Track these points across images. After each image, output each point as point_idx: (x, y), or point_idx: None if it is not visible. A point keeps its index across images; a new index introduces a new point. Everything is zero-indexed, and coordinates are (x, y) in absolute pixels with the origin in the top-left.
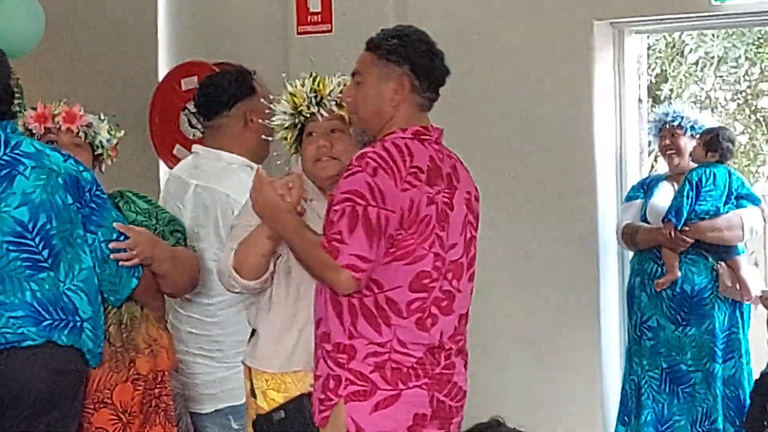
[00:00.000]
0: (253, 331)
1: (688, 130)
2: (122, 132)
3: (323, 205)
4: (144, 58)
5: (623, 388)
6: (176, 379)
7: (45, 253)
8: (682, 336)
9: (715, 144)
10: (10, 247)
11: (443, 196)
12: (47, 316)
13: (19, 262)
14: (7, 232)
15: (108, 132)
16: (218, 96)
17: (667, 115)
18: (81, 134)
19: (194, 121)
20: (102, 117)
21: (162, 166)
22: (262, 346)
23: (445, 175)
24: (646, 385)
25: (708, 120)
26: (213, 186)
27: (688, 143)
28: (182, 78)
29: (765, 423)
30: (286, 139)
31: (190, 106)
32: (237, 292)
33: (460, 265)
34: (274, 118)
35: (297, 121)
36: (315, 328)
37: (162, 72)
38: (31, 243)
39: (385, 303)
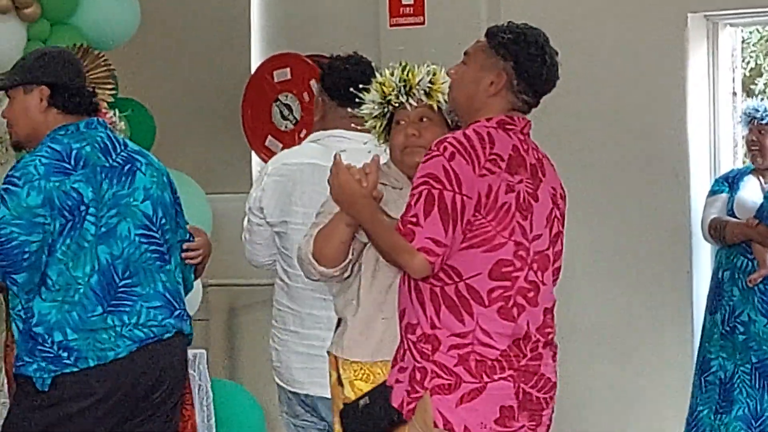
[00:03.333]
0: (339, 321)
1: None
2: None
3: None
4: (237, 50)
5: (702, 382)
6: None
7: (165, 246)
8: None
9: None
10: (142, 240)
11: (526, 186)
12: (177, 306)
13: (149, 254)
14: (138, 225)
15: None
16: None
17: (757, 111)
18: None
19: (286, 112)
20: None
21: (254, 157)
22: (350, 335)
23: (529, 166)
24: (738, 380)
25: None
26: None
27: None
28: (274, 70)
29: None
30: (375, 127)
31: (283, 98)
32: (315, 280)
33: (545, 257)
34: (362, 107)
35: (386, 110)
36: (399, 319)
37: (255, 64)
38: (156, 235)
39: (466, 291)
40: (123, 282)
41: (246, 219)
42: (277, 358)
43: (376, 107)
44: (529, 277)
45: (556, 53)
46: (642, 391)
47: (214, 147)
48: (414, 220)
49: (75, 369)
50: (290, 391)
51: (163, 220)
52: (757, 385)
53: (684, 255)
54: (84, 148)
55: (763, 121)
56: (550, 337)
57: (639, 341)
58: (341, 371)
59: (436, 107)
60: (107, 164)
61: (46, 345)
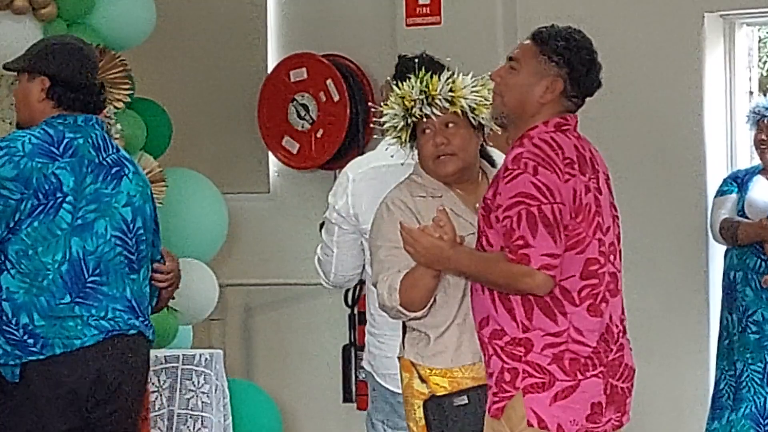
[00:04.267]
0: (404, 325)
1: None
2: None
3: (453, 197)
4: (253, 50)
5: (717, 384)
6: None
7: (136, 255)
8: None
9: None
10: (117, 242)
11: (593, 182)
12: (141, 313)
13: (121, 257)
14: (115, 227)
15: None
16: None
17: (766, 109)
18: None
19: (303, 112)
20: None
21: (271, 157)
22: (433, 348)
23: (589, 161)
24: (747, 379)
25: None
26: None
27: None
28: (291, 70)
29: None
30: (399, 138)
31: (299, 98)
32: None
33: (615, 247)
34: (383, 119)
35: (409, 121)
36: (479, 328)
37: (271, 64)
38: (130, 242)
39: (559, 293)
40: (92, 278)
41: (327, 236)
42: (379, 363)
43: (399, 120)
44: (609, 270)
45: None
46: (661, 390)
47: (231, 147)
48: (521, 243)
49: (41, 356)
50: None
51: (140, 231)
52: (767, 384)
53: (701, 254)
54: (77, 139)
55: None
56: (625, 322)
57: (657, 340)
58: (419, 372)
59: (460, 112)
60: (96, 160)
61: (12, 327)
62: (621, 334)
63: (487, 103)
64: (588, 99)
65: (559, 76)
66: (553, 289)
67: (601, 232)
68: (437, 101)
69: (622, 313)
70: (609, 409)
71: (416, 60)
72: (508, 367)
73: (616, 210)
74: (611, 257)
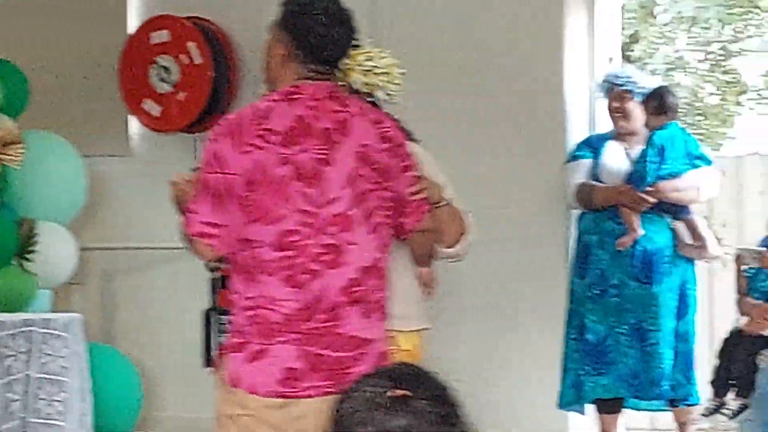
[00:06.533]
0: None
1: (637, 94)
2: None
3: None
4: (115, 11)
5: (571, 348)
6: None
7: None
8: (644, 294)
9: (663, 106)
10: None
11: (315, 153)
12: None
13: None
14: None
15: None
16: None
17: (617, 77)
18: None
19: (165, 74)
20: None
21: (133, 120)
22: None
23: (320, 131)
24: (613, 342)
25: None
26: None
27: (635, 107)
28: (153, 31)
29: (729, 381)
30: None
31: (161, 60)
32: None
33: (347, 218)
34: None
35: None
36: None
37: (134, 25)
38: None
39: (253, 259)
40: None
41: None
42: None
43: None
44: (324, 242)
45: (347, 17)
46: (518, 352)
47: (91, 109)
48: (190, 207)
49: None
50: None
51: None
52: (634, 346)
53: (563, 219)
54: None
55: (624, 87)
56: (357, 295)
57: (517, 303)
58: None
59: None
60: None
61: None
62: (345, 305)
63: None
64: (447, 68)
65: (283, 41)
66: (237, 258)
67: (310, 204)
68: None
69: (353, 286)
70: (311, 377)
71: None
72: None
73: (374, 183)
74: (331, 228)
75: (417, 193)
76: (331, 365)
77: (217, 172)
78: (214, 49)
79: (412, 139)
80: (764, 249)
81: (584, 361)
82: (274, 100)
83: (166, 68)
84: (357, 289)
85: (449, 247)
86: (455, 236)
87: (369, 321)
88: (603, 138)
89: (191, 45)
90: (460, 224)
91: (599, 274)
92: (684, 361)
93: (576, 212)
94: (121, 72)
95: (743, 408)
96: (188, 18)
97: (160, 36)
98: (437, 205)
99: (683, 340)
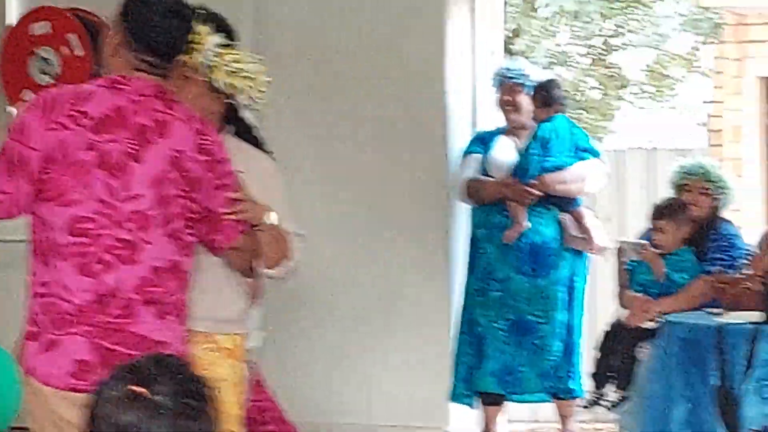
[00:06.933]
0: None
1: (528, 87)
2: None
3: None
4: None
5: (461, 342)
6: None
7: None
8: (531, 287)
9: (549, 99)
10: None
11: (125, 147)
12: None
13: None
14: None
15: None
16: None
17: (508, 70)
18: None
19: (45, 66)
20: None
21: (11, 110)
22: None
23: (136, 127)
24: (491, 337)
25: (541, 75)
26: None
27: (526, 100)
28: (33, 23)
29: (609, 373)
30: None
31: (41, 52)
32: None
33: (145, 217)
34: None
35: None
36: None
37: (12, 17)
38: None
39: (48, 241)
40: None
41: None
42: None
43: None
44: (120, 236)
45: (184, 11)
46: (403, 347)
47: None
48: None
49: None
50: None
51: None
52: (511, 341)
53: (443, 213)
54: None
55: (515, 80)
56: (152, 296)
57: (399, 299)
58: None
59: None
60: None
61: None
62: (139, 304)
63: (235, 71)
64: (327, 60)
65: (119, 28)
66: (34, 239)
67: (110, 196)
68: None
69: (149, 285)
70: (102, 370)
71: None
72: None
73: (184, 191)
74: (128, 224)
75: (231, 213)
76: (123, 361)
77: (17, 142)
78: (95, 40)
79: (264, 150)
80: (645, 242)
81: (472, 354)
82: (99, 85)
83: (46, 60)
84: (152, 289)
85: (269, 269)
86: (275, 259)
87: (164, 322)
88: (494, 133)
89: (72, 37)
90: (282, 248)
91: (486, 268)
92: (570, 354)
93: (468, 207)
94: (1, 63)
95: (622, 400)
96: (69, 9)
97: (41, 27)
98: (257, 228)
99: (572, 333)
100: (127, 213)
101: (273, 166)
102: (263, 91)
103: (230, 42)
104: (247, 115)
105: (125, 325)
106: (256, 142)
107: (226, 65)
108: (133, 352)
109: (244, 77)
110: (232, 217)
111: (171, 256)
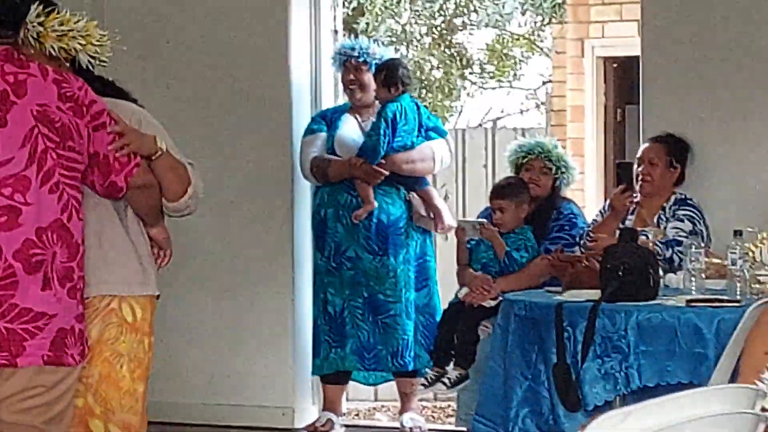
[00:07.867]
0: None
1: (372, 65)
2: None
3: None
4: None
5: (319, 321)
6: None
7: None
8: (380, 266)
9: (393, 78)
10: None
11: None
12: None
13: None
14: None
15: None
16: None
17: (352, 49)
18: None
19: None
20: None
21: None
22: None
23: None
24: (349, 315)
25: (386, 53)
26: None
27: (371, 78)
28: None
29: (452, 352)
30: None
31: None
32: None
33: (23, 178)
34: None
35: None
36: None
37: None
38: None
39: None
40: None
41: None
42: None
43: None
44: (1, 203)
45: None
46: (246, 326)
47: None
48: None
49: None
50: None
51: None
52: (369, 319)
53: (286, 192)
54: None
55: (359, 58)
56: (36, 260)
57: (244, 278)
58: None
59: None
60: None
61: None
62: (22, 271)
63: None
64: (175, 43)
65: None
66: None
67: None
68: None
69: (30, 249)
70: None
71: None
72: None
73: (54, 142)
74: (5, 190)
75: (121, 148)
76: (5, 336)
77: None
78: None
79: (131, 99)
80: (484, 221)
81: (329, 333)
82: None
83: None
84: (36, 252)
85: (174, 201)
86: (178, 188)
87: (49, 293)
88: (338, 111)
89: None
90: (182, 175)
91: (335, 247)
92: (429, 334)
93: (312, 186)
94: None
95: (462, 378)
96: None
97: None
98: (152, 158)
99: (423, 312)
100: (3, 179)
101: (141, 110)
102: (102, 45)
103: (52, 7)
104: (98, 71)
105: (8, 297)
106: (120, 94)
107: (53, 30)
108: (16, 326)
109: (73, 37)
110: (123, 152)
111: (55, 215)
